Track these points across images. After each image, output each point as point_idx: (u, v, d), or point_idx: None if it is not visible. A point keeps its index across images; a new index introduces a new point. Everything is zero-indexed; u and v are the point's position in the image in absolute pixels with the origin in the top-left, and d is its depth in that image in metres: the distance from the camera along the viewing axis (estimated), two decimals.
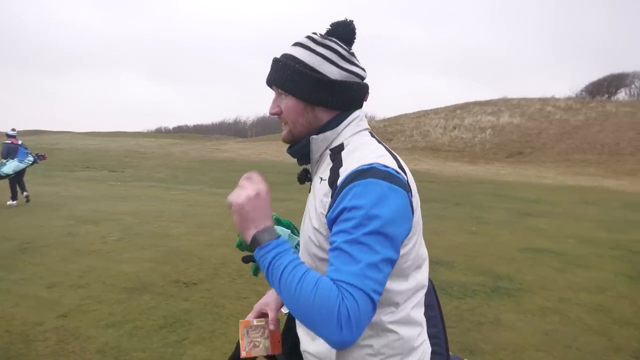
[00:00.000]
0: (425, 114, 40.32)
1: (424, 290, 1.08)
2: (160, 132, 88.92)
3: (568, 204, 12.10)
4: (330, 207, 0.95)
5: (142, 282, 4.63)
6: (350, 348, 0.96)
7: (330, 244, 0.92)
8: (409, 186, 0.98)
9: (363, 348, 0.98)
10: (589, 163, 23.31)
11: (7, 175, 9.92)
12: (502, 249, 6.57)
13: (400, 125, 37.88)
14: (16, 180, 10.07)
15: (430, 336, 1.11)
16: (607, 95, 41.76)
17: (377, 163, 0.94)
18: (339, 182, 0.95)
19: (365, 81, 1.10)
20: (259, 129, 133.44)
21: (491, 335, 3.61)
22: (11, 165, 9.89)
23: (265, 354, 1.16)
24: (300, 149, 1.07)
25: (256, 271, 1.43)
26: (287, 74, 1.03)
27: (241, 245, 1.38)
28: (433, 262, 6.14)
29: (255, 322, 1.16)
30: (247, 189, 0.95)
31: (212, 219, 8.62)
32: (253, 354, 1.15)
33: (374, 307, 0.86)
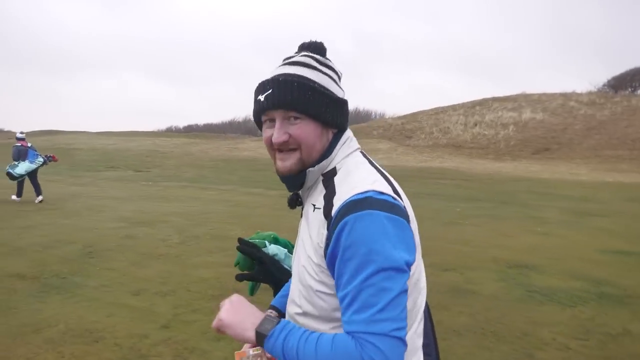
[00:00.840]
0: (443, 110, 39.83)
1: (422, 312, 1.01)
2: (171, 132, 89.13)
3: (618, 201, 11.71)
4: (327, 240, 0.89)
5: (228, 288, 4.39)
6: None
7: (337, 287, 0.88)
8: (407, 212, 0.91)
9: None
10: (621, 159, 22.78)
11: (21, 176, 10.32)
12: (580, 251, 6.26)
13: (418, 123, 37.44)
14: (30, 181, 10.45)
15: (423, 345, 1.03)
16: (630, 89, 40.97)
17: (372, 190, 0.87)
18: (333, 213, 0.89)
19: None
20: None
21: (631, 347, 3.32)
22: (23, 167, 10.31)
23: None
24: (298, 180, 0.98)
25: (252, 290, 1.39)
26: (306, 95, 0.93)
27: (238, 264, 1.35)
28: (517, 265, 5.67)
29: (252, 352, 1.05)
30: (222, 307, 0.96)
31: (263, 220, 8.38)
32: None
33: (402, 343, 0.81)
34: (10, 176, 10.30)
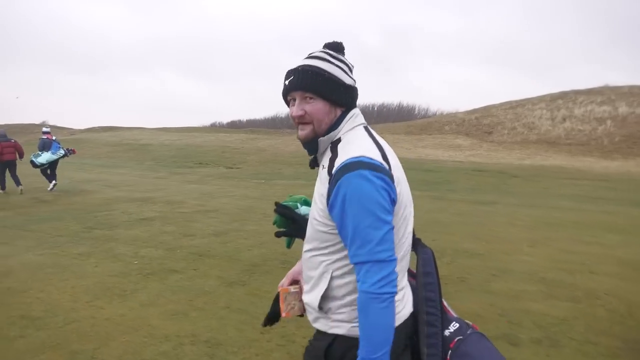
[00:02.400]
0: (519, 104, 37.33)
1: (405, 258, 1.30)
2: (215, 127, 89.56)
3: None
4: (328, 193, 1.21)
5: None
6: (331, 299, 1.27)
7: (339, 230, 1.21)
8: (391, 173, 1.21)
9: (341, 300, 1.26)
10: None
11: (42, 165, 11.29)
12: None
13: (495, 117, 35.18)
14: (50, 169, 11.53)
15: (427, 299, 1.31)
16: None
17: (363, 156, 1.18)
18: (333, 171, 1.21)
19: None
20: None
21: None
22: (45, 156, 11.32)
23: (299, 314, 1.43)
24: (311, 145, 1.32)
25: (290, 243, 1.58)
26: (317, 80, 1.27)
27: (276, 223, 1.53)
28: None
29: (292, 289, 1.40)
30: None
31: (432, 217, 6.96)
32: (291, 315, 1.42)
33: (393, 261, 1.16)
34: (33, 164, 11.26)
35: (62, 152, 11.77)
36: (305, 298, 1.36)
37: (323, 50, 1.34)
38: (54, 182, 11.40)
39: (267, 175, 16.79)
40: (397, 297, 1.23)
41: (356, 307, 1.19)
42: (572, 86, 39.37)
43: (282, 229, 1.54)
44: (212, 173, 17.66)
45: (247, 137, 41.22)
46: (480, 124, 34.64)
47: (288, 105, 1.34)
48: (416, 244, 1.43)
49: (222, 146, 30.57)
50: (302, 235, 1.49)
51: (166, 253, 5.55)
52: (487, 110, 38.15)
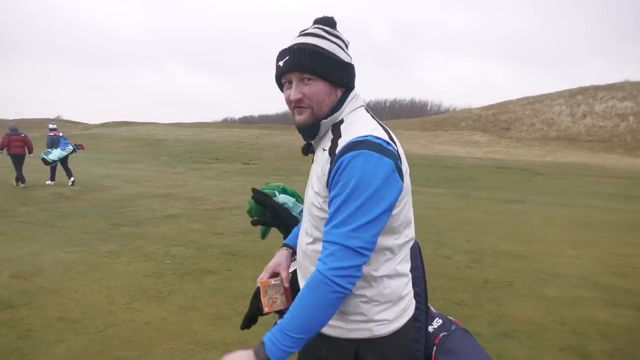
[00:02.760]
0: (537, 100, 36.64)
1: (410, 245, 1.21)
2: (227, 122, 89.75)
3: None
4: (329, 172, 1.08)
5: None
6: (348, 297, 1.10)
7: (329, 203, 1.08)
8: (399, 155, 1.11)
9: (357, 297, 1.13)
10: None
11: (53, 162, 11.55)
12: None
13: (512, 113, 34.58)
14: (62, 166, 11.69)
15: (414, 294, 1.25)
16: None
17: (371, 135, 1.07)
18: (337, 151, 1.08)
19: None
20: None
21: None
22: (55, 153, 11.56)
23: (282, 308, 1.29)
24: (313, 130, 1.17)
25: (264, 234, 1.52)
26: (316, 59, 1.13)
27: (251, 211, 1.44)
28: None
29: (272, 282, 1.28)
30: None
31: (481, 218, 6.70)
32: (273, 309, 1.28)
33: (358, 256, 1.02)
34: (45, 162, 11.51)
35: (70, 147, 11.93)
36: None
37: (317, 26, 1.21)
38: (72, 179, 11.63)
39: (284, 172, 16.62)
40: (410, 288, 1.22)
41: (377, 302, 1.15)
42: (588, 81, 38.51)
43: (258, 218, 1.44)
44: (229, 169, 17.54)
45: (261, 132, 41.10)
46: (497, 120, 34.07)
47: (282, 89, 1.22)
48: None
49: (237, 142, 30.48)
50: (279, 224, 1.45)
51: (197, 252, 5.40)
52: (503, 106, 37.50)
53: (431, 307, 1.36)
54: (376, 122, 1.16)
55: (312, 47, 1.14)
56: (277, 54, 1.19)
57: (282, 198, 1.49)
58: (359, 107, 1.20)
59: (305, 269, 1.22)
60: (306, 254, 1.21)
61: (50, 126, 12.33)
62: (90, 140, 35.32)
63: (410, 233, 1.20)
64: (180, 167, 18.42)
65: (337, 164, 1.05)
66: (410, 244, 1.22)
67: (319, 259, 1.06)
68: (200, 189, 11.41)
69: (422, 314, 1.27)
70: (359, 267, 1.04)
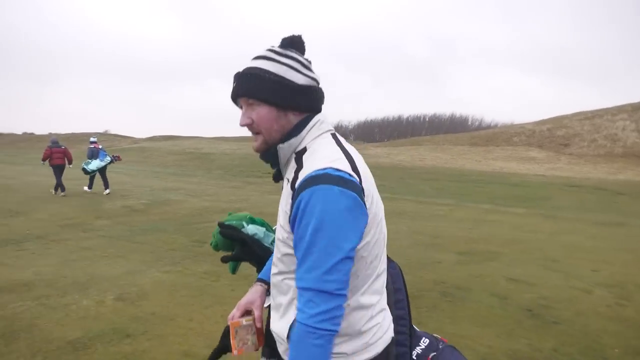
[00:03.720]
0: (595, 114, 34.80)
1: (380, 277, 1.15)
2: None
3: None
4: (291, 208, 1.03)
5: None
6: None
7: (294, 247, 1.04)
8: (361, 187, 1.03)
9: None
10: None
11: (92, 172, 12.42)
12: None
13: (570, 129, 32.93)
14: (100, 176, 12.58)
15: (397, 317, 1.23)
16: None
17: (330, 168, 1.00)
18: (296, 185, 1.03)
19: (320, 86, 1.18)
20: (360, 132, 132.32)
21: None
22: (94, 164, 12.43)
23: (254, 350, 1.24)
24: (270, 156, 1.14)
25: (234, 269, 1.42)
26: (257, 84, 1.09)
27: (217, 246, 1.37)
28: None
29: (244, 322, 1.21)
30: None
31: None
32: (244, 350, 1.22)
33: (339, 297, 0.99)
34: (85, 171, 12.40)
35: (108, 159, 12.80)
36: (273, 327, 1.19)
37: (269, 48, 1.15)
38: (107, 190, 12.41)
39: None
40: (377, 321, 1.14)
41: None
42: (636, 95, 36.21)
43: (227, 253, 1.37)
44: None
45: None
46: (553, 135, 32.52)
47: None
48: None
49: None
50: (252, 258, 1.39)
51: None
52: (558, 121, 35.83)
53: (415, 327, 1.32)
54: (339, 150, 1.09)
55: (256, 70, 1.11)
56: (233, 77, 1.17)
57: (251, 229, 1.41)
58: (324, 133, 1.14)
59: (274, 298, 1.19)
60: (273, 283, 1.19)
61: (91, 139, 13.18)
62: (141, 154, 36.31)
63: (378, 265, 1.13)
64: (235, 180, 18.33)
65: (296, 201, 1.02)
66: (382, 276, 1.17)
67: (298, 309, 1.03)
68: (266, 204, 11.10)
69: (406, 339, 1.25)
70: (340, 306, 1.01)
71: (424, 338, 1.31)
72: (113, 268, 5.15)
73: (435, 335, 1.34)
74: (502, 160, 27.18)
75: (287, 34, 1.17)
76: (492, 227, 8.48)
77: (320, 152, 1.08)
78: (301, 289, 1.01)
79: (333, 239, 0.97)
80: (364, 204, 1.02)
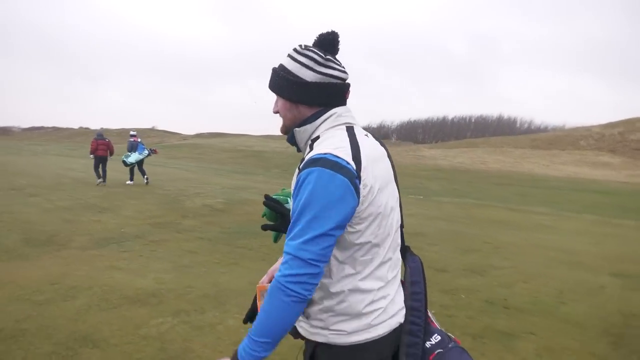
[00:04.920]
0: None
1: (385, 264, 1.24)
2: None
3: None
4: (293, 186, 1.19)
5: None
6: (311, 303, 1.24)
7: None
8: (357, 175, 1.13)
9: (317, 304, 1.23)
10: None
11: (132, 164, 13.04)
12: None
13: None
14: (138, 168, 13.31)
15: (412, 308, 1.29)
16: None
17: (330, 154, 1.12)
18: (300, 166, 1.18)
19: (347, 81, 1.29)
20: (403, 132, 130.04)
21: None
22: (133, 157, 13.02)
23: None
24: (290, 138, 1.31)
25: (276, 238, 1.53)
26: (276, 80, 1.27)
27: (265, 216, 1.48)
28: None
29: (268, 286, 1.26)
30: None
31: None
32: None
33: (309, 266, 1.09)
34: (124, 163, 13.02)
35: (146, 152, 13.39)
36: None
37: (295, 47, 1.28)
38: (146, 176, 13.36)
39: (414, 190, 15.36)
40: (380, 305, 1.22)
41: (334, 313, 1.21)
42: None
43: (270, 223, 1.46)
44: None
45: None
46: (626, 139, 30.23)
47: None
48: (404, 252, 1.40)
49: None
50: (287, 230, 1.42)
51: (445, 297, 4.29)
52: (631, 124, 33.30)
53: (434, 322, 1.35)
54: (347, 140, 1.18)
55: (277, 68, 1.28)
56: None
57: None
58: (338, 125, 1.25)
59: None
60: None
61: (131, 133, 13.82)
62: (194, 151, 36.80)
63: (383, 252, 1.22)
64: None
65: (297, 177, 1.15)
66: (388, 264, 1.25)
67: (279, 268, 1.13)
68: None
69: (419, 330, 1.28)
70: (312, 275, 1.09)
71: (436, 334, 1.33)
72: (235, 278, 4.68)
73: (450, 334, 1.36)
74: (572, 165, 25.47)
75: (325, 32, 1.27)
76: (620, 242, 7.49)
77: (329, 140, 1.19)
78: (284, 252, 1.13)
79: (317, 215, 1.08)
80: (356, 191, 1.12)
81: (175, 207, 9.38)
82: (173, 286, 4.34)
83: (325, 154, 1.12)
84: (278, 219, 1.44)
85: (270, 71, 1.30)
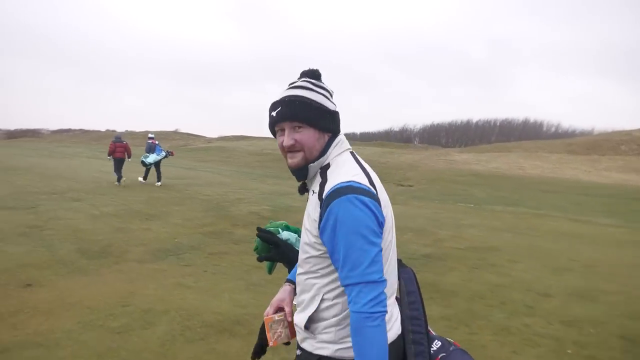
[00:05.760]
0: None
1: (390, 278, 1.27)
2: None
3: None
4: (320, 217, 1.21)
5: None
6: (318, 320, 1.27)
7: (331, 254, 1.21)
8: (378, 197, 1.22)
9: (327, 320, 1.26)
10: None
11: (150, 164, 13.59)
12: None
13: None
14: (155, 169, 13.73)
15: (411, 317, 1.33)
16: None
17: (352, 181, 1.20)
18: (324, 196, 1.22)
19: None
20: (426, 136, 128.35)
21: None
22: (151, 157, 13.58)
23: (286, 341, 1.41)
24: (300, 171, 1.32)
25: (270, 269, 1.62)
26: (304, 109, 1.28)
27: (257, 249, 1.56)
28: None
29: (276, 317, 1.39)
30: None
31: None
32: (278, 342, 1.39)
33: (382, 283, 1.16)
34: (143, 163, 13.72)
35: (163, 153, 13.85)
36: (295, 318, 1.36)
37: (304, 79, 1.35)
38: (159, 182, 13.62)
39: (459, 197, 14.66)
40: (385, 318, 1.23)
41: (342, 327, 1.25)
42: None
43: (264, 254, 1.55)
44: (394, 191, 16.01)
45: (382, 150, 39.64)
46: None
47: (275, 136, 1.37)
48: (398, 265, 1.42)
49: (366, 160, 29.25)
50: (284, 259, 1.55)
51: (567, 329, 3.68)
52: None
53: (430, 330, 1.38)
54: (358, 167, 1.27)
55: (301, 98, 1.29)
56: (269, 105, 1.33)
57: (285, 235, 1.60)
58: (344, 152, 1.32)
59: (299, 296, 1.35)
60: (298, 282, 1.35)
61: (149, 135, 14.48)
62: (221, 154, 36.68)
63: (387, 266, 1.26)
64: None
65: (327, 210, 1.17)
66: (391, 276, 1.29)
67: (350, 302, 1.16)
68: (404, 217, 9.91)
69: (423, 338, 1.32)
70: (383, 291, 1.16)
71: (437, 340, 1.37)
72: None
73: (448, 339, 1.39)
74: (617, 172, 24.28)
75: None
76: None
77: (342, 168, 1.26)
78: (349, 285, 1.16)
79: (366, 238, 1.15)
80: (381, 209, 1.21)
81: (222, 215, 8.96)
82: (254, 310, 3.86)
83: (348, 181, 1.19)
84: (272, 250, 1.55)
85: (284, 103, 1.30)
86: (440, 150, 41.76)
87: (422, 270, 5.37)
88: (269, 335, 1.39)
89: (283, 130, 1.30)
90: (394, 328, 1.29)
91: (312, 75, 1.35)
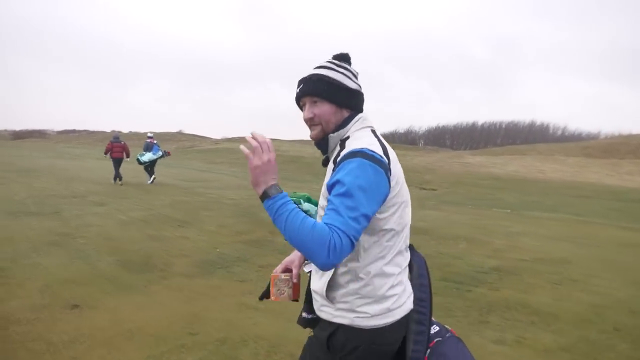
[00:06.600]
0: None
1: (403, 251, 1.39)
2: None
3: None
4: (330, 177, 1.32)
5: None
6: (336, 287, 1.34)
7: (327, 202, 1.25)
8: (388, 166, 1.29)
9: (344, 288, 1.33)
10: None
11: (145, 163, 13.81)
12: None
13: None
14: (150, 166, 13.96)
15: (419, 299, 1.40)
16: None
17: (366, 148, 1.27)
18: (338, 159, 1.30)
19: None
20: (431, 138, 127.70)
21: None
22: (147, 156, 13.85)
23: (288, 300, 1.53)
24: (323, 143, 1.43)
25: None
26: (323, 86, 1.39)
27: None
28: None
29: (282, 276, 1.49)
30: (263, 155, 1.22)
31: None
32: (280, 299, 1.52)
33: (352, 245, 1.18)
34: (138, 161, 13.78)
35: (160, 153, 14.08)
36: (313, 286, 1.42)
37: (329, 60, 1.45)
38: (153, 177, 13.90)
39: (489, 202, 14.10)
40: (397, 291, 1.33)
41: (359, 296, 1.30)
42: None
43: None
44: (418, 195, 15.45)
45: (398, 152, 38.98)
46: None
47: (302, 110, 1.45)
48: (410, 249, 1.48)
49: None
50: None
51: None
52: None
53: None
54: (377, 141, 1.34)
55: (320, 76, 1.40)
56: (297, 82, 1.45)
57: (305, 206, 1.67)
58: (365, 128, 1.41)
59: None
60: None
61: (148, 134, 14.73)
62: (230, 155, 36.16)
63: (401, 241, 1.36)
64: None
65: (337, 167, 1.28)
66: (404, 254, 1.39)
67: (325, 221, 1.20)
68: (446, 224, 9.38)
69: (426, 319, 1.38)
70: (348, 252, 1.17)
71: (435, 325, 1.43)
72: None
73: (446, 326, 1.45)
74: (639, 175, 23.70)
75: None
76: None
77: (360, 139, 1.34)
78: (332, 226, 1.17)
79: (366, 195, 1.19)
80: (388, 181, 1.26)
81: (255, 221, 8.44)
82: None
83: (362, 148, 1.26)
84: None
85: (305, 80, 1.42)
86: (451, 153, 41.22)
87: (502, 287, 4.84)
88: (272, 290, 1.52)
89: (305, 104, 1.43)
90: (407, 303, 1.37)
91: (339, 57, 1.46)
